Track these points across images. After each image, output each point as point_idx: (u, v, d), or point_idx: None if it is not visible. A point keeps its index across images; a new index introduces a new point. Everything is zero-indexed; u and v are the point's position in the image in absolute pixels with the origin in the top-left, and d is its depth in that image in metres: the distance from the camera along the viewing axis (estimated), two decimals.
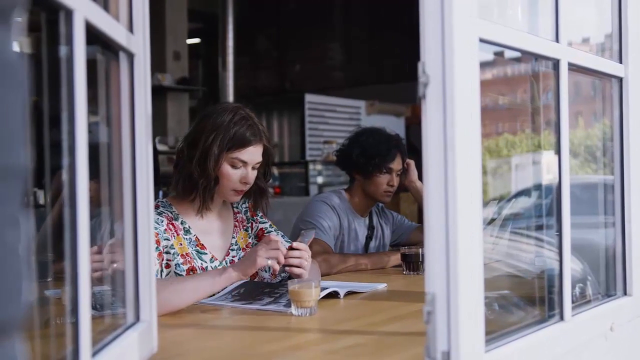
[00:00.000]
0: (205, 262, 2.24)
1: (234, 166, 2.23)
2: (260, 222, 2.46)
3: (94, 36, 1.13)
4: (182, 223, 2.25)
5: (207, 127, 2.21)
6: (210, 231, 2.32)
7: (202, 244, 2.27)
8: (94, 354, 1.09)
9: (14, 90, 0.57)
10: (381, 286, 2.36)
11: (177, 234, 2.22)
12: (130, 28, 1.36)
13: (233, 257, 2.34)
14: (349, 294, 2.19)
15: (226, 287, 2.10)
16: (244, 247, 2.38)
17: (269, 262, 2.03)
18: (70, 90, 1.01)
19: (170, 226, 2.20)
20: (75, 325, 1.01)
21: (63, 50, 1.03)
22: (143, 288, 1.38)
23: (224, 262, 2.30)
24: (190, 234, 2.25)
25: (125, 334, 1.28)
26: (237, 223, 2.41)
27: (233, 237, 2.37)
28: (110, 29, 1.20)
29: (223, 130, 2.19)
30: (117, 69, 1.35)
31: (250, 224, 2.45)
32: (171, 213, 2.25)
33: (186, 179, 2.23)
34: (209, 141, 2.18)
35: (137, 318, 1.37)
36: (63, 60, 1.03)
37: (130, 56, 1.35)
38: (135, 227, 1.37)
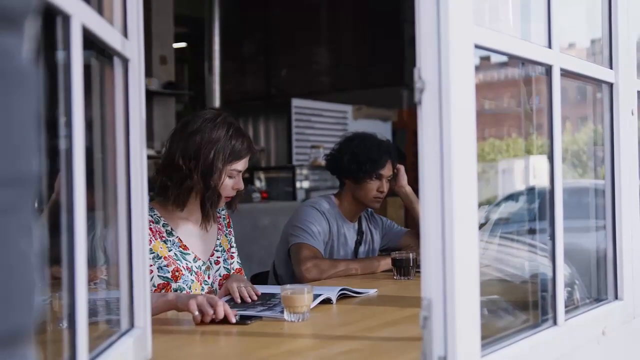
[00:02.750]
0: (189, 262, 2.29)
1: (230, 177, 2.30)
2: (232, 235, 2.54)
3: (89, 41, 1.13)
4: (164, 226, 2.29)
5: (203, 141, 2.24)
6: (194, 233, 2.36)
7: (185, 245, 2.31)
8: None
9: (26, 98, 0.57)
10: (372, 291, 2.36)
11: (156, 238, 2.24)
12: (125, 33, 1.35)
13: (218, 257, 2.41)
14: (342, 297, 2.20)
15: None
16: (227, 249, 2.46)
17: (196, 312, 1.86)
18: (67, 95, 1.01)
19: (149, 230, 2.21)
20: (72, 331, 1.00)
21: (60, 54, 1.02)
22: (137, 295, 1.37)
23: (208, 262, 2.36)
24: (173, 235, 2.29)
25: (121, 341, 1.27)
26: (220, 226, 2.47)
27: (217, 239, 2.44)
28: (106, 34, 1.20)
29: (223, 145, 2.25)
30: (111, 74, 1.34)
31: (228, 231, 2.52)
32: (152, 216, 2.26)
33: (186, 193, 2.26)
34: (210, 157, 2.23)
35: (132, 324, 1.36)
36: (60, 64, 1.02)
37: (125, 61, 1.35)
38: (130, 233, 1.36)
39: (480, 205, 2.18)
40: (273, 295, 2.18)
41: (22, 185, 0.56)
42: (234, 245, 2.53)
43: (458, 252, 1.17)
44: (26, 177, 0.56)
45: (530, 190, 2.02)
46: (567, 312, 1.57)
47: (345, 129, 8.10)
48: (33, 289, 0.57)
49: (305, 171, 7.60)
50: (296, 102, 8.22)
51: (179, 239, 2.30)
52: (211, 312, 1.83)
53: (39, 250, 0.59)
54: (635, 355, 1.92)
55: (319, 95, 8.90)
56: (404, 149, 7.31)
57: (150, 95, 7.47)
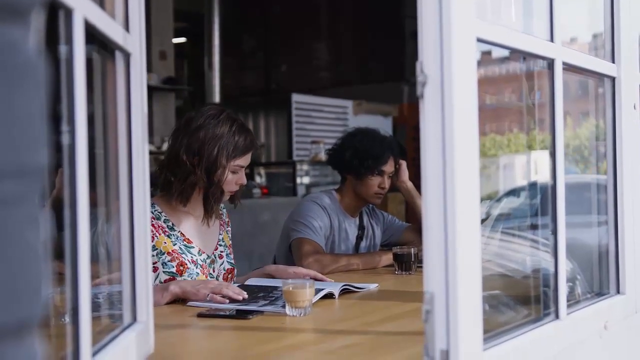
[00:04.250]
0: (194, 255, 2.31)
1: (233, 172, 2.32)
2: (230, 234, 2.56)
3: (91, 35, 1.12)
4: (165, 221, 2.30)
5: (206, 137, 2.26)
6: (197, 228, 2.38)
7: (189, 239, 2.33)
8: (94, 354, 1.08)
9: (33, 90, 0.57)
10: (373, 286, 2.36)
11: (160, 233, 2.25)
12: (127, 27, 1.35)
13: (221, 252, 2.44)
14: (344, 292, 2.20)
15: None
16: (228, 245, 2.49)
17: (209, 296, 2.06)
18: (70, 89, 1.00)
19: (152, 227, 2.23)
20: (76, 325, 1.00)
21: (62, 48, 1.02)
22: (140, 289, 1.37)
23: (212, 256, 2.39)
24: (175, 230, 2.31)
25: (123, 335, 1.27)
26: (222, 222, 2.50)
27: (220, 234, 2.46)
28: (108, 28, 1.20)
29: (226, 141, 2.27)
30: (113, 68, 1.34)
31: (228, 229, 2.55)
32: (152, 212, 2.28)
33: (190, 188, 2.29)
34: (214, 152, 2.25)
35: (134, 319, 1.36)
36: (62, 59, 1.02)
37: (127, 55, 1.35)
38: (132, 228, 1.36)
39: (481, 200, 2.18)
40: (275, 287, 2.19)
41: (29, 177, 0.56)
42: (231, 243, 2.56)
43: (460, 245, 1.17)
44: (33, 169, 0.56)
45: (532, 186, 2.02)
46: (569, 306, 1.57)
47: (345, 124, 8.10)
48: (40, 280, 0.57)
49: (305, 167, 7.60)
50: (296, 98, 8.22)
51: (182, 233, 2.32)
52: (231, 293, 2.03)
53: (46, 242, 0.59)
54: (637, 349, 1.93)
55: (319, 91, 8.89)
56: (404, 144, 7.31)
57: (149, 90, 7.42)
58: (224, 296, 2.04)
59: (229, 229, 2.55)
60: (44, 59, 0.60)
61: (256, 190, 6.84)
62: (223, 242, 2.46)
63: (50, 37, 1.04)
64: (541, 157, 1.72)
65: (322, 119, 8.33)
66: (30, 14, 0.59)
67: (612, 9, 1.82)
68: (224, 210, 2.55)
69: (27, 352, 0.56)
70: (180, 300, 2.17)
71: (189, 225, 2.36)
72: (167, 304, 2.09)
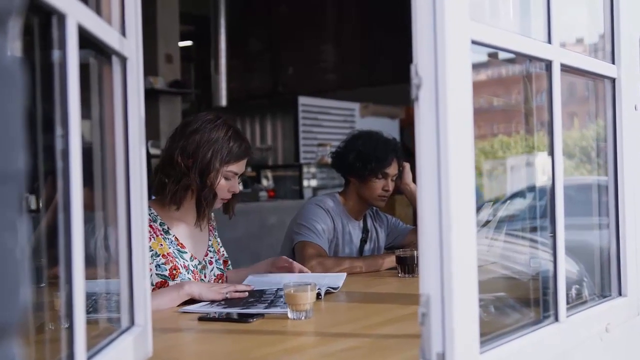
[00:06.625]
0: (186, 260, 2.34)
1: (226, 178, 2.34)
2: (219, 240, 2.57)
3: (86, 40, 1.13)
4: (160, 225, 2.33)
5: (202, 140, 2.28)
6: (189, 233, 2.40)
7: (182, 244, 2.35)
8: (89, 358, 1.08)
9: (11, 95, 0.57)
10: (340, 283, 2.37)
11: (157, 235, 2.28)
12: (123, 32, 1.35)
13: (210, 258, 2.46)
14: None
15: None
16: (217, 251, 2.51)
17: (229, 294, 2.16)
18: (63, 95, 1.01)
19: (149, 228, 2.24)
20: (70, 329, 1.00)
21: (56, 54, 1.03)
22: (138, 292, 1.37)
23: (203, 262, 2.41)
24: (170, 234, 2.33)
25: (120, 338, 1.28)
26: (211, 228, 2.52)
27: (209, 240, 2.48)
28: (103, 33, 1.20)
29: (221, 146, 2.29)
30: (110, 73, 1.34)
31: (216, 233, 2.57)
32: (149, 215, 2.28)
33: (183, 190, 2.29)
34: (208, 156, 2.27)
35: (132, 322, 1.36)
36: (56, 64, 1.02)
37: (123, 60, 1.35)
38: (130, 232, 1.37)
39: (487, 202, 2.17)
40: (263, 291, 2.21)
41: (8, 182, 0.56)
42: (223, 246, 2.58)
43: (456, 247, 1.17)
44: (11, 174, 0.57)
45: (538, 188, 2.02)
46: (570, 308, 1.57)
47: (352, 126, 8.09)
48: (18, 284, 0.57)
49: (312, 169, 7.60)
50: (303, 100, 8.21)
51: (176, 237, 2.34)
52: (243, 287, 2.20)
53: (25, 246, 0.59)
54: (639, 352, 1.92)
55: (325, 93, 8.88)
56: (410, 146, 7.29)
57: (156, 94, 7.47)
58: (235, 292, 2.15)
59: (216, 233, 2.57)
60: (22, 65, 0.60)
61: (263, 193, 6.85)
62: (212, 248, 2.49)
63: (45, 42, 1.05)
64: (547, 159, 1.71)
65: (328, 122, 8.32)
66: (8, 21, 0.59)
67: (612, 10, 1.82)
68: (213, 215, 2.56)
69: (4, 356, 0.56)
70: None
71: (182, 230, 2.38)
72: None
